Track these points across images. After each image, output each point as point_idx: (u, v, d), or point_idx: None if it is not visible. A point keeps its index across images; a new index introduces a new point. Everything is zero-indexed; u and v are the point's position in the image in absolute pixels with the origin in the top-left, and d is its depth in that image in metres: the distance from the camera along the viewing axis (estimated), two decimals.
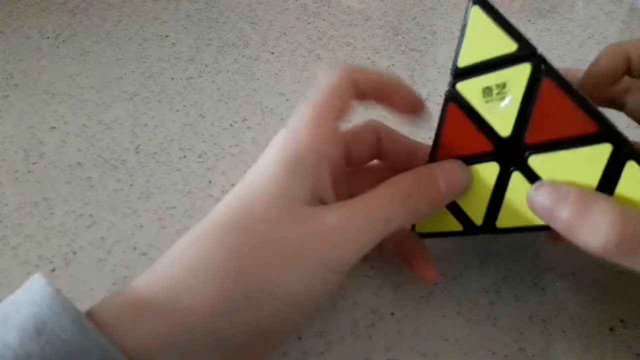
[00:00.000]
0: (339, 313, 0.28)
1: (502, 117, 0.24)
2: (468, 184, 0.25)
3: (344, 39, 0.51)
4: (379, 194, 0.24)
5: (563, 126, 0.22)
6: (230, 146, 0.39)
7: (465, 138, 0.25)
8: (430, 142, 0.26)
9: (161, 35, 0.52)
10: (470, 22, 0.23)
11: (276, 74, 0.46)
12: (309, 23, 0.54)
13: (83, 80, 0.46)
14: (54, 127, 0.41)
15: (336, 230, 0.22)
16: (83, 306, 0.20)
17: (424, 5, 0.56)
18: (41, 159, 0.38)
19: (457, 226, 0.27)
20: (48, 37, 0.52)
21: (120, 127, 0.41)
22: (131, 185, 0.36)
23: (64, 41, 0.51)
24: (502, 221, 0.25)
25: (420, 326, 0.28)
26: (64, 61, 0.48)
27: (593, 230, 0.21)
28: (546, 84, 0.22)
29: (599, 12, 0.54)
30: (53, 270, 0.31)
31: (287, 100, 0.44)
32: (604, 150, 0.22)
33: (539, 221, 0.24)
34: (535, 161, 0.23)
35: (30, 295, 0.20)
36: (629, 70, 0.28)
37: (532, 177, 0.24)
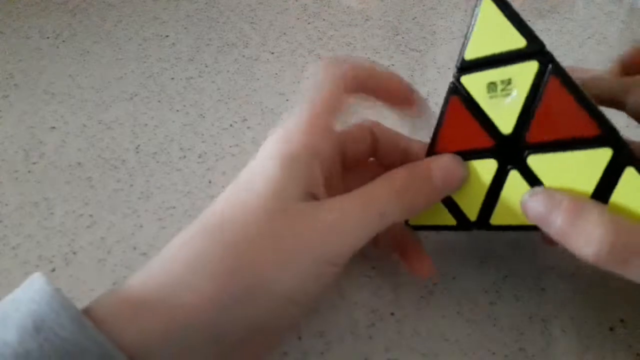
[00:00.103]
0: (339, 313, 0.28)
1: (504, 113, 0.23)
2: (464, 180, 0.25)
3: (344, 39, 0.51)
4: (374, 188, 0.24)
5: (565, 127, 0.22)
6: (230, 146, 0.39)
7: (465, 132, 0.25)
8: (429, 141, 0.26)
9: (161, 35, 0.52)
10: (480, 14, 0.23)
11: (276, 74, 0.46)
12: (309, 23, 0.54)
13: (83, 80, 0.46)
14: (54, 127, 0.41)
15: (331, 224, 0.22)
16: (83, 306, 0.20)
17: (424, 5, 0.56)
18: (41, 159, 0.38)
19: (450, 220, 0.27)
20: (48, 37, 0.52)
21: (120, 127, 0.41)
22: (131, 185, 0.36)
23: (64, 41, 0.51)
24: (497, 218, 0.25)
25: (420, 326, 0.28)
26: (64, 61, 0.48)
27: (585, 240, 0.21)
28: (552, 83, 0.22)
29: (599, 12, 0.54)
30: (53, 270, 0.31)
31: (287, 100, 0.44)
32: (604, 155, 0.22)
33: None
34: (534, 161, 0.23)
35: (30, 294, 0.20)
36: None
37: (529, 176, 0.24)
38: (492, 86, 0.23)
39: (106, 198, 0.35)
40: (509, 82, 0.23)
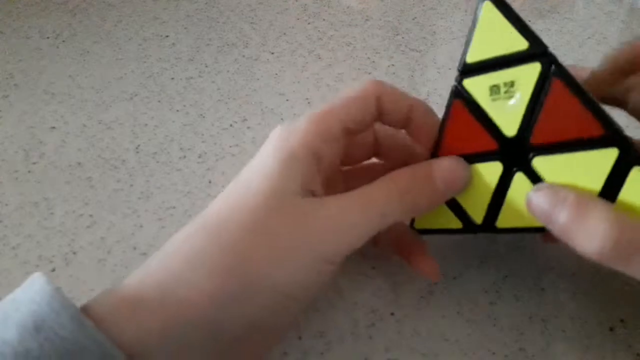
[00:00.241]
0: (339, 313, 0.28)
1: (508, 116, 0.23)
2: (467, 182, 0.25)
3: (344, 39, 0.51)
4: (376, 188, 0.24)
5: (570, 128, 0.22)
6: (230, 146, 0.39)
7: (469, 136, 0.24)
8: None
9: (161, 35, 0.52)
10: (481, 17, 0.23)
11: (276, 74, 0.46)
12: (309, 23, 0.54)
13: (83, 80, 0.46)
14: (54, 127, 0.41)
15: (330, 222, 0.22)
16: (82, 304, 0.20)
17: (424, 5, 0.56)
18: (41, 159, 0.38)
19: (456, 224, 0.27)
20: (48, 37, 0.52)
21: (120, 127, 0.41)
22: (131, 185, 0.36)
23: (64, 41, 0.51)
24: (503, 221, 0.25)
25: (420, 326, 0.28)
26: (64, 61, 0.48)
27: (589, 236, 0.21)
28: (556, 84, 0.22)
29: (599, 12, 0.54)
30: (53, 270, 0.31)
31: (287, 100, 0.44)
32: (610, 155, 0.22)
33: (539, 223, 0.23)
34: (540, 163, 0.23)
35: (30, 294, 0.20)
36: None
37: (535, 178, 0.24)
38: (494, 89, 0.23)
39: (106, 198, 0.35)
40: (511, 84, 0.23)
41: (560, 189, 0.22)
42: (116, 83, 0.46)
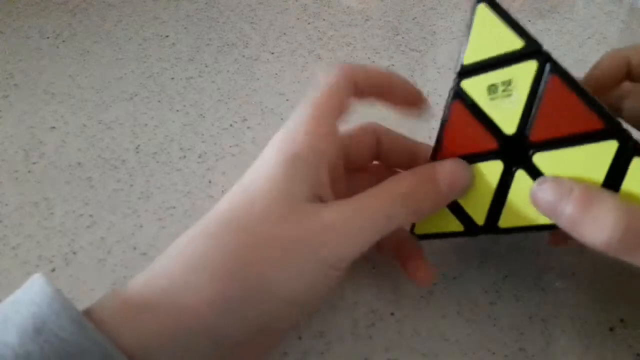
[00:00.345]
0: (339, 313, 0.28)
1: (507, 114, 0.24)
2: (470, 183, 0.25)
3: (344, 39, 0.51)
4: (380, 192, 0.24)
5: (569, 123, 0.22)
6: (230, 146, 0.39)
7: (468, 136, 0.25)
8: (431, 142, 0.26)
9: (161, 35, 0.52)
10: (476, 19, 0.23)
11: (276, 74, 0.46)
12: (309, 23, 0.54)
13: (83, 80, 0.46)
14: (54, 127, 0.41)
15: (335, 227, 0.22)
16: (83, 306, 0.20)
17: (424, 5, 0.56)
18: (41, 159, 0.38)
19: (458, 226, 0.26)
20: (48, 37, 0.52)
21: (120, 127, 0.41)
22: (131, 185, 0.36)
23: (64, 41, 0.51)
24: (505, 221, 0.25)
25: (420, 326, 0.28)
26: (64, 61, 0.48)
27: (596, 226, 0.21)
28: (553, 80, 0.22)
29: (599, 12, 0.54)
30: (53, 270, 0.31)
31: (287, 100, 0.44)
32: (610, 147, 0.22)
33: (542, 220, 0.24)
34: (540, 159, 0.23)
35: (30, 295, 0.20)
36: (629, 75, 0.28)
37: (536, 175, 0.24)
38: (492, 88, 0.23)
39: (106, 198, 0.35)
40: (509, 83, 0.23)
41: (565, 181, 0.22)
42: (116, 83, 0.46)
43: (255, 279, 0.21)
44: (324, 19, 0.54)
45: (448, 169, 0.25)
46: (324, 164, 0.23)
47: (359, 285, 0.29)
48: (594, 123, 0.22)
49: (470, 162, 0.25)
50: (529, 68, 0.23)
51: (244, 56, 0.49)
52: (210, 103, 0.43)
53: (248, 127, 0.41)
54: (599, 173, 0.22)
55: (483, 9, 0.23)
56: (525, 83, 0.23)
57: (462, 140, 0.25)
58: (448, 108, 0.25)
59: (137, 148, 0.39)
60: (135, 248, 0.32)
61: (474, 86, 0.24)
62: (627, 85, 0.29)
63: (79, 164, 0.38)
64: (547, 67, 0.22)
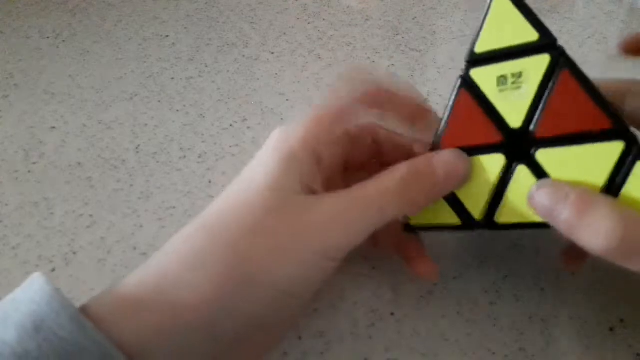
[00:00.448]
0: (339, 313, 0.28)
1: (514, 107, 0.23)
2: (467, 175, 0.25)
3: (344, 39, 0.51)
4: (374, 183, 0.24)
5: (576, 121, 0.22)
6: (230, 146, 0.39)
7: (472, 127, 0.24)
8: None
9: (161, 35, 0.52)
10: (492, 7, 0.23)
11: (276, 74, 0.46)
12: (309, 23, 0.54)
13: (83, 80, 0.46)
14: (54, 127, 0.41)
15: (329, 218, 0.22)
16: (81, 303, 0.20)
17: (424, 5, 0.56)
18: (41, 159, 0.38)
19: (454, 220, 0.26)
20: (48, 37, 0.52)
21: (120, 127, 0.41)
22: (131, 185, 0.36)
23: (64, 41, 0.51)
24: (503, 216, 0.25)
25: (420, 326, 0.28)
26: (64, 61, 0.48)
27: (593, 233, 0.21)
28: (564, 76, 0.22)
29: (599, 12, 0.54)
30: (53, 270, 0.31)
31: (287, 100, 0.44)
32: (615, 148, 0.22)
33: (539, 218, 0.23)
34: (543, 155, 0.23)
35: (30, 294, 0.20)
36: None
37: (538, 171, 0.23)
38: (502, 79, 0.23)
39: (106, 198, 0.35)
40: (519, 75, 0.23)
41: (562, 186, 0.22)
42: (116, 83, 0.46)
43: (253, 273, 0.21)
44: (324, 19, 0.54)
45: (445, 159, 0.24)
46: (316, 161, 0.24)
47: (358, 285, 0.29)
48: (602, 122, 0.22)
49: (470, 155, 0.25)
50: (541, 61, 0.22)
51: (244, 56, 0.49)
52: (210, 103, 0.43)
53: (248, 127, 0.41)
54: (602, 174, 0.22)
55: None
56: (536, 76, 0.23)
57: (465, 132, 0.25)
58: (453, 97, 0.24)
59: (137, 148, 0.39)
60: (135, 248, 0.32)
61: (483, 76, 0.24)
62: (626, 85, 0.28)
63: (79, 164, 0.38)
64: (560, 62, 0.22)
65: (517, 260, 0.30)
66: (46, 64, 0.48)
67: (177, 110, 0.43)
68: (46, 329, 0.19)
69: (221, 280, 0.21)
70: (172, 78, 0.46)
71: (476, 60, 0.24)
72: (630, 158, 0.22)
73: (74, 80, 0.46)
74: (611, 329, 0.27)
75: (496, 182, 0.24)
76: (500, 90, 0.23)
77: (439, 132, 0.25)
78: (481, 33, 0.24)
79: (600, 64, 0.47)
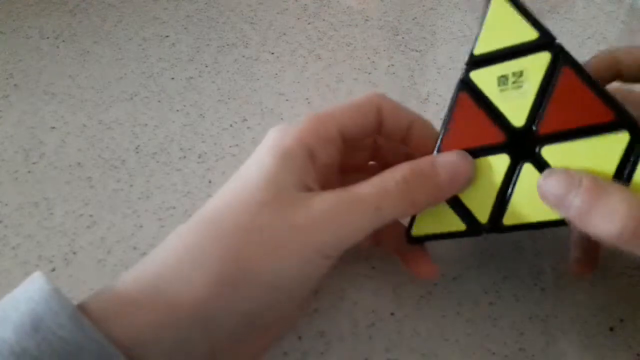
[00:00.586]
0: (339, 313, 0.28)
1: (516, 106, 0.23)
2: (471, 177, 0.24)
3: (344, 39, 0.51)
4: (373, 182, 0.23)
5: (580, 115, 0.22)
6: (230, 146, 0.39)
7: (474, 129, 0.24)
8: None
9: (161, 35, 0.52)
10: (491, 9, 0.23)
11: (276, 74, 0.46)
12: (309, 23, 0.54)
13: (83, 80, 0.46)
14: (54, 127, 0.41)
15: (324, 215, 0.22)
16: (78, 302, 0.20)
17: (424, 5, 0.56)
18: (41, 159, 0.38)
19: (459, 225, 0.25)
20: (48, 37, 0.52)
21: (120, 127, 0.41)
22: (131, 185, 0.36)
23: (64, 41, 0.51)
24: (510, 218, 0.24)
25: (420, 326, 0.28)
26: (64, 61, 0.48)
27: (608, 218, 0.20)
28: (565, 72, 0.22)
29: (599, 12, 0.54)
30: (53, 270, 0.31)
31: (287, 100, 0.44)
32: (621, 140, 0.22)
33: (549, 216, 0.23)
34: (549, 152, 0.23)
35: (29, 293, 0.20)
36: (620, 76, 0.28)
37: (544, 169, 0.23)
38: (503, 79, 0.23)
39: (106, 198, 0.35)
40: (520, 74, 0.23)
41: (573, 172, 0.22)
42: (116, 83, 0.46)
43: (248, 269, 0.21)
44: (324, 19, 0.54)
45: (449, 161, 0.24)
46: (311, 159, 0.24)
47: (359, 285, 0.29)
48: (606, 115, 0.22)
49: (474, 156, 0.24)
50: (542, 59, 0.23)
51: (244, 56, 0.49)
52: (210, 103, 0.43)
53: (248, 127, 0.41)
54: (610, 166, 0.22)
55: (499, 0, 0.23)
56: (537, 74, 0.23)
57: (467, 133, 0.24)
58: (454, 100, 0.24)
59: (137, 148, 0.39)
60: (135, 248, 0.32)
61: (484, 77, 0.24)
62: (614, 85, 0.28)
63: (79, 164, 0.38)
64: (560, 59, 0.22)
65: (517, 261, 0.30)
66: (46, 64, 0.48)
67: (177, 111, 0.43)
68: (45, 328, 0.19)
69: (216, 276, 0.21)
70: (172, 78, 0.46)
71: (476, 62, 0.24)
72: (636, 148, 0.22)
73: (74, 80, 0.46)
74: (611, 329, 0.27)
75: (501, 183, 0.24)
76: (501, 90, 0.23)
77: (440, 136, 0.25)
78: (480, 35, 0.24)
79: None
